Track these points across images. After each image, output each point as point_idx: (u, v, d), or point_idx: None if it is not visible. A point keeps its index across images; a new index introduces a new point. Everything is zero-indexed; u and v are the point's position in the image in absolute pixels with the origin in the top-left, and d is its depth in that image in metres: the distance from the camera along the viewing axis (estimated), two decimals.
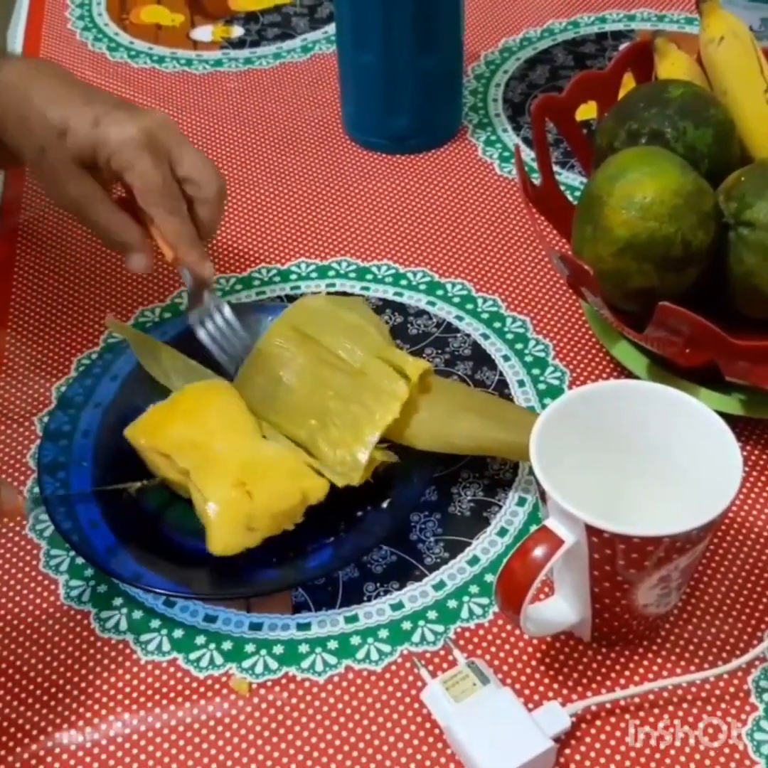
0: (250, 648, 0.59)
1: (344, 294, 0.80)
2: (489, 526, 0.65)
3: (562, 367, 0.74)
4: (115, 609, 0.61)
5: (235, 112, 1.00)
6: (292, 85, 1.03)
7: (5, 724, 0.56)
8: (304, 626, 0.60)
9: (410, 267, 0.83)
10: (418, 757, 0.55)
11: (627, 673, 0.58)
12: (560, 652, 0.58)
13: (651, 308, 0.62)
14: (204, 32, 1.11)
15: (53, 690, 0.58)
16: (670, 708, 0.56)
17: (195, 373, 0.70)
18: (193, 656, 0.59)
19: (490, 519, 0.65)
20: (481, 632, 0.60)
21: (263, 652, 0.59)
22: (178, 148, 0.70)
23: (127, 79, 1.04)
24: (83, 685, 0.58)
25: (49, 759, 0.55)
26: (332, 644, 0.59)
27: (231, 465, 0.63)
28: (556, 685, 0.57)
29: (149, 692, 0.58)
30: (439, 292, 0.81)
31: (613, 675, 0.58)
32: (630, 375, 0.71)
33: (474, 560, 0.63)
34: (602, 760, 0.54)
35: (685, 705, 0.56)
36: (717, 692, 0.57)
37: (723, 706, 0.56)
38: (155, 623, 0.61)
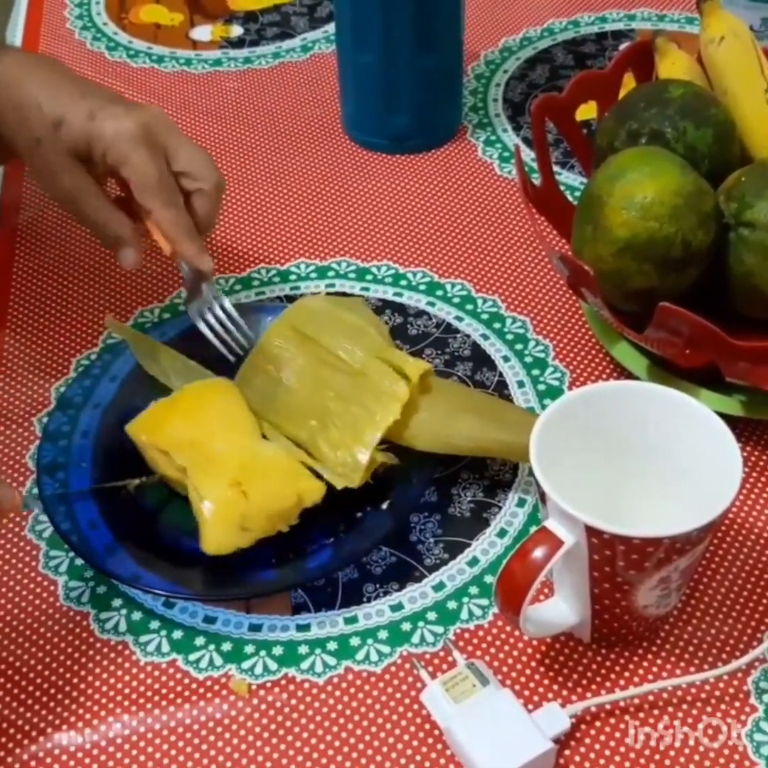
0: (249, 649, 0.59)
1: (344, 294, 0.80)
2: (489, 527, 0.65)
3: (562, 368, 0.74)
4: (115, 610, 0.61)
5: (235, 111, 0.99)
6: (291, 84, 1.03)
7: (4, 725, 0.56)
8: (303, 627, 0.60)
9: (410, 267, 0.83)
10: (418, 758, 0.54)
11: (627, 674, 0.58)
12: (560, 654, 0.58)
13: (651, 309, 0.62)
14: (203, 32, 1.11)
15: (52, 691, 0.58)
16: (670, 709, 0.56)
17: (194, 373, 0.70)
18: (192, 657, 0.59)
19: (489, 520, 0.65)
20: (480, 633, 0.60)
21: (263, 653, 0.59)
22: (174, 143, 0.70)
23: (126, 78, 1.04)
24: (82, 686, 0.58)
25: (48, 760, 0.55)
26: (332, 645, 0.59)
27: (228, 464, 0.63)
28: (555, 686, 0.57)
29: (148, 693, 0.58)
30: (439, 293, 0.80)
31: (612, 676, 0.58)
32: (630, 376, 0.71)
33: (474, 561, 0.63)
34: (602, 761, 0.54)
35: (684, 706, 0.56)
36: (717, 693, 0.57)
37: (723, 707, 0.56)
38: (154, 624, 0.61)
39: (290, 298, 0.80)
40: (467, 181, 0.91)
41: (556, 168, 0.85)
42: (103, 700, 0.57)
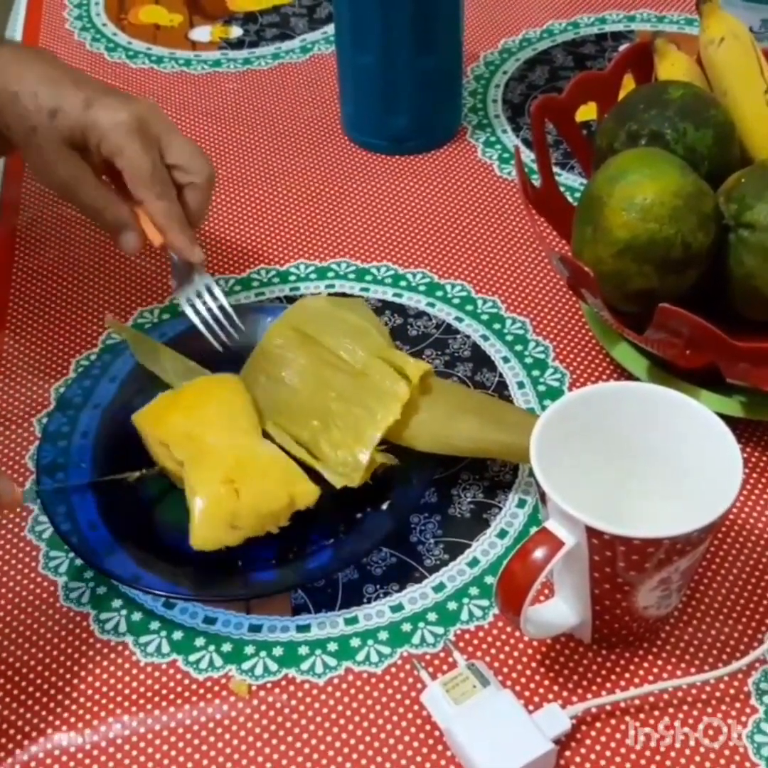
0: (249, 650, 0.59)
1: (344, 295, 0.80)
2: (489, 528, 0.65)
3: (562, 369, 0.74)
4: (115, 611, 0.61)
5: (234, 112, 0.99)
6: (290, 85, 1.03)
7: (4, 725, 0.56)
8: (303, 628, 0.60)
9: (410, 268, 0.83)
10: (418, 759, 0.54)
11: (627, 675, 0.58)
12: (560, 654, 0.58)
13: (651, 310, 0.62)
14: (202, 32, 1.11)
15: (52, 692, 0.58)
16: (671, 710, 0.56)
17: (195, 373, 0.70)
18: (192, 658, 0.59)
19: (490, 521, 0.65)
20: (481, 634, 0.60)
21: (263, 653, 0.59)
22: (168, 136, 0.70)
23: (125, 79, 1.04)
24: (82, 686, 0.58)
25: (48, 761, 0.55)
26: (332, 646, 0.59)
27: (223, 461, 0.63)
28: (556, 687, 0.57)
29: (148, 694, 0.57)
30: (439, 294, 0.80)
31: (613, 677, 0.58)
32: (630, 377, 0.71)
33: (474, 562, 0.63)
34: (602, 762, 0.54)
35: (685, 707, 0.56)
36: (717, 694, 0.57)
37: (723, 708, 0.56)
38: (154, 625, 0.61)
39: (290, 299, 0.80)
40: (467, 182, 0.91)
41: (555, 169, 0.85)
42: (103, 701, 0.57)
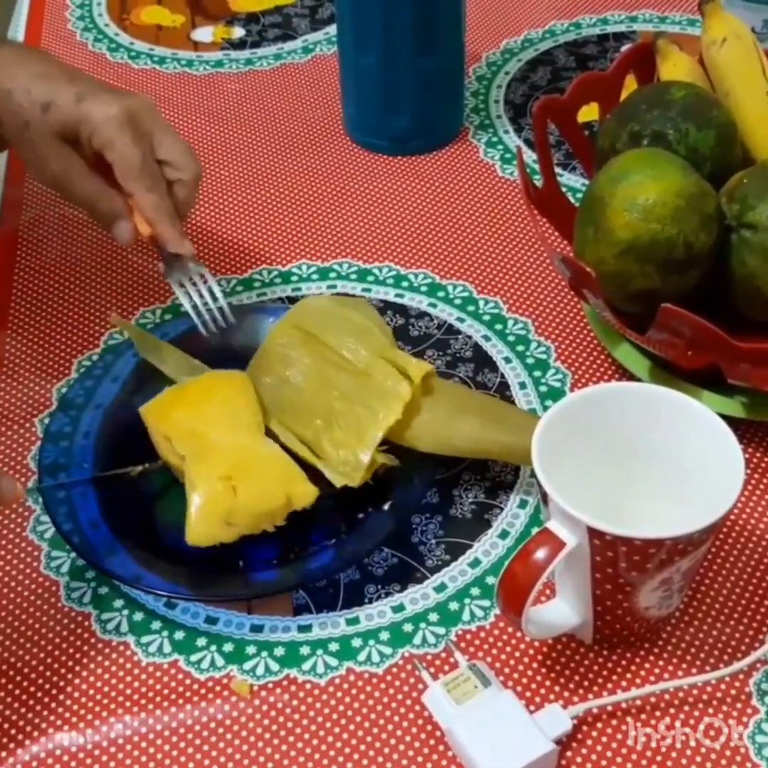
0: (251, 650, 0.59)
1: (345, 295, 0.80)
2: (490, 529, 0.65)
3: (563, 370, 0.74)
4: (116, 611, 0.61)
5: (236, 113, 0.99)
6: (292, 86, 1.03)
7: (6, 725, 0.56)
8: (305, 628, 0.60)
9: (411, 269, 0.83)
10: (419, 759, 0.54)
11: (628, 675, 0.58)
12: (562, 655, 0.58)
13: (653, 310, 0.62)
14: (204, 33, 1.11)
15: (54, 691, 0.58)
16: (672, 710, 0.56)
17: (199, 371, 0.70)
18: (194, 658, 0.59)
19: (491, 521, 0.65)
20: (482, 634, 0.60)
21: (264, 653, 0.59)
22: (159, 132, 0.71)
23: (127, 79, 1.04)
24: (84, 686, 0.58)
25: (49, 760, 0.55)
26: (333, 646, 0.59)
27: (222, 458, 0.63)
28: (557, 688, 0.57)
29: (150, 694, 0.58)
30: (441, 294, 0.80)
31: (614, 677, 0.58)
32: (632, 377, 0.71)
33: (475, 562, 0.63)
34: (603, 763, 0.54)
35: (686, 707, 0.56)
36: (718, 695, 0.57)
37: (724, 708, 0.56)
38: (156, 625, 0.61)
39: (292, 300, 0.80)
40: (469, 182, 0.91)
41: (557, 170, 0.84)
42: (105, 701, 0.57)
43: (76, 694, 0.58)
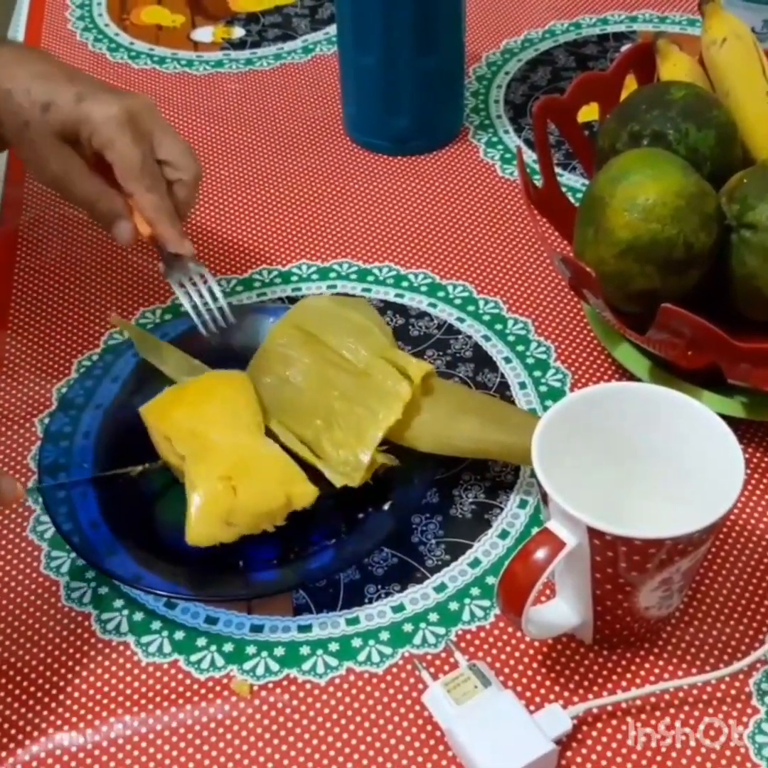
0: (251, 650, 0.59)
1: (345, 295, 0.80)
2: (490, 529, 0.65)
3: (563, 370, 0.74)
4: (116, 611, 0.61)
5: (236, 113, 0.99)
6: (292, 86, 1.03)
7: (6, 725, 0.56)
8: (305, 628, 0.60)
9: (411, 269, 0.83)
10: (419, 759, 0.54)
11: (628, 675, 0.58)
12: (562, 655, 0.58)
13: (653, 310, 0.62)
14: (204, 33, 1.11)
15: (54, 691, 0.58)
16: (672, 710, 0.56)
17: (199, 371, 0.70)
18: (194, 658, 0.59)
19: (491, 521, 0.65)
20: (482, 634, 0.60)
21: (264, 653, 0.59)
22: (159, 132, 0.71)
23: (127, 79, 1.04)
24: (84, 686, 0.58)
25: (49, 760, 0.55)
26: (333, 646, 0.59)
27: (222, 458, 0.63)
28: (557, 688, 0.57)
29: (150, 694, 0.58)
30: (441, 294, 0.80)
31: (614, 677, 0.58)
32: (632, 377, 0.71)
33: (475, 562, 0.63)
34: (603, 763, 0.54)
35: (686, 707, 0.56)
36: (718, 695, 0.57)
37: (724, 708, 0.56)
38: (156, 625, 0.61)
39: (292, 300, 0.80)
40: (469, 182, 0.91)
41: (557, 170, 0.84)
42: (105, 701, 0.57)
43: (76, 694, 0.58)
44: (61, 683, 0.58)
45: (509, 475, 0.68)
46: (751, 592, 0.61)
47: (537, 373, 0.74)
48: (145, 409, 0.67)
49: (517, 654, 0.59)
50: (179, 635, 0.60)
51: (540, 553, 0.52)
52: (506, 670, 0.58)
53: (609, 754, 0.54)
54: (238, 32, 1.11)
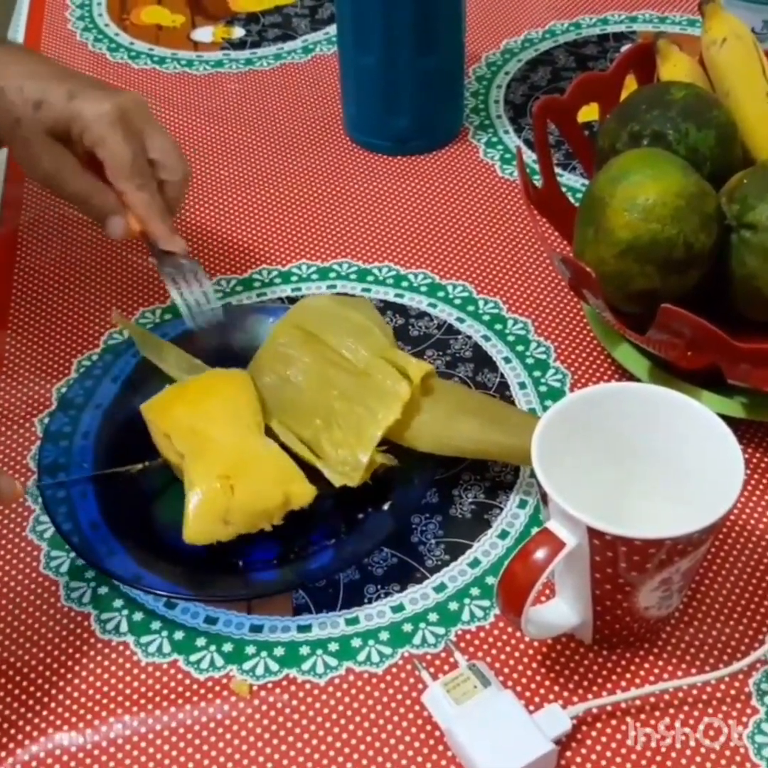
0: (250, 650, 0.59)
1: (345, 295, 0.80)
2: (490, 529, 0.65)
3: (563, 370, 0.74)
4: (116, 611, 0.61)
5: (236, 113, 0.99)
6: (292, 86, 1.03)
7: (5, 725, 0.56)
8: (304, 628, 0.60)
9: (411, 269, 0.83)
10: (419, 759, 0.54)
11: (628, 675, 0.58)
12: (561, 655, 0.58)
13: (653, 310, 0.62)
14: (204, 33, 1.11)
15: (53, 692, 0.58)
16: (671, 710, 0.56)
17: (199, 370, 0.70)
18: (193, 658, 0.59)
19: (491, 521, 0.65)
20: (482, 634, 0.60)
21: (264, 653, 0.59)
22: (149, 130, 0.72)
23: (127, 79, 1.04)
24: (83, 686, 0.58)
25: (49, 760, 0.55)
26: (333, 646, 0.59)
27: (221, 456, 0.63)
28: (557, 688, 0.57)
29: (150, 694, 0.57)
30: (441, 294, 0.80)
31: (614, 677, 0.57)
32: (631, 377, 0.71)
33: (475, 562, 0.63)
34: (603, 763, 0.54)
35: (685, 707, 0.56)
36: (718, 695, 0.57)
37: (724, 708, 0.56)
38: (156, 625, 0.61)
39: (292, 300, 0.80)
40: (469, 182, 0.91)
41: (557, 170, 0.84)
42: (105, 701, 0.57)
43: (76, 694, 0.58)
44: (61, 683, 0.58)
45: (509, 475, 0.68)
46: (751, 592, 0.61)
47: (537, 373, 0.74)
48: (146, 407, 0.67)
49: (516, 654, 0.59)
50: (179, 635, 0.60)
51: (540, 553, 0.52)
52: (506, 670, 0.58)
53: (609, 754, 0.54)
54: (238, 32, 1.11)
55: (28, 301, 0.81)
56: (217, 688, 0.58)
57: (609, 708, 0.56)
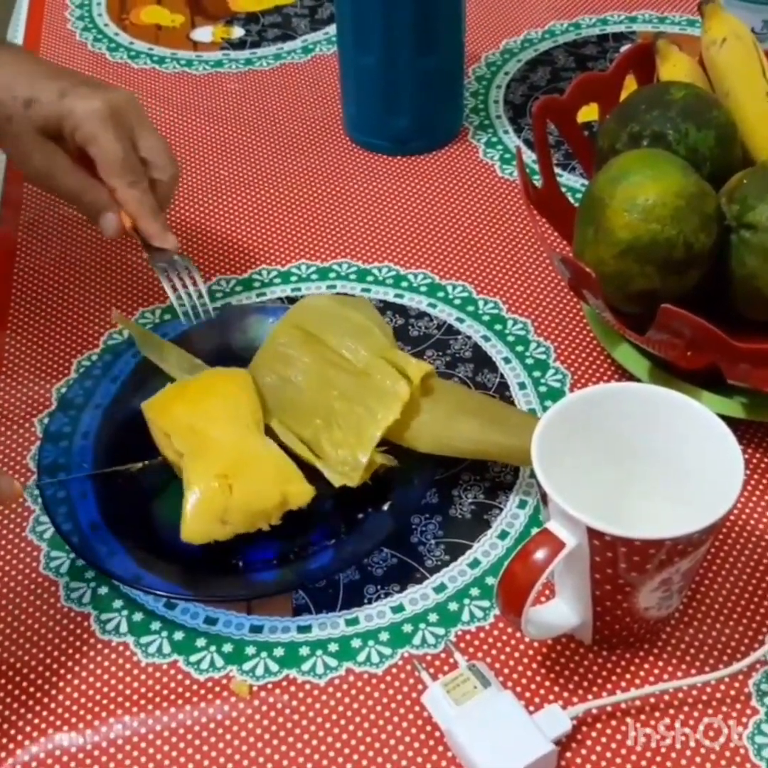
0: (250, 650, 0.59)
1: (345, 295, 0.80)
2: (490, 529, 0.65)
3: (563, 370, 0.74)
4: (116, 611, 0.61)
5: (236, 113, 0.99)
6: (292, 86, 1.03)
7: (5, 725, 0.56)
8: (304, 628, 0.60)
9: (411, 269, 0.83)
10: (419, 760, 0.54)
11: (628, 676, 0.58)
12: (561, 655, 0.58)
13: (653, 311, 0.62)
14: (204, 33, 1.11)
15: (53, 692, 0.58)
16: (671, 711, 0.56)
17: (199, 370, 0.70)
18: (193, 658, 0.59)
19: (491, 521, 0.65)
20: (482, 635, 0.60)
21: (264, 654, 0.59)
22: (140, 128, 0.72)
23: (127, 79, 1.04)
24: (83, 687, 0.58)
25: (49, 761, 0.55)
26: (333, 647, 0.59)
27: (220, 456, 0.63)
28: (557, 688, 0.57)
29: (150, 695, 0.57)
30: (440, 294, 0.80)
31: (614, 678, 0.57)
32: (631, 378, 0.71)
33: (475, 563, 0.63)
34: (603, 763, 0.54)
35: (685, 708, 0.56)
36: (718, 695, 0.57)
37: (724, 709, 0.56)
38: (156, 625, 0.61)
39: (291, 300, 0.80)
40: (468, 182, 0.91)
41: (557, 170, 0.84)
42: (104, 701, 0.57)
43: (76, 695, 0.58)
44: (61, 684, 0.58)
45: (509, 476, 0.68)
46: (751, 593, 0.61)
47: (536, 374, 0.74)
48: (146, 405, 0.67)
49: (516, 654, 0.59)
50: (179, 636, 0.60)
51: (539, 554, 0.52)
52: (506, 671, 0.58)
53: (609, 754, 0.54)
54: (237, 32, 1.11)
55: (27, 301, 0.81)
56: (217, 689, 0.58)
57: (609, 708, 0.56)
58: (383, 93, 0.90)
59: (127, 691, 0.58)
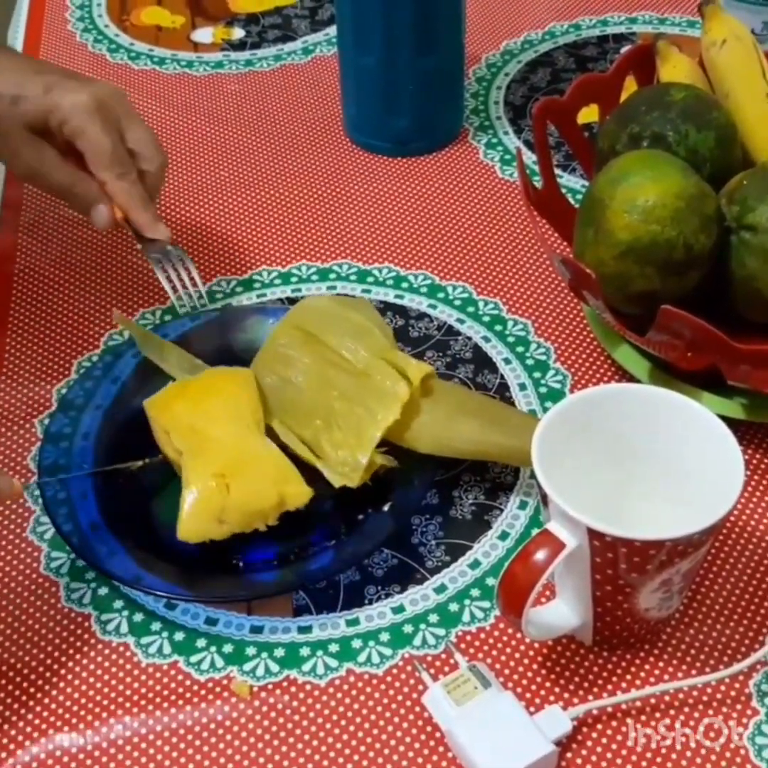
0: (251, 651, 0.59)
1: (345, 296, 0.80)
2: (490, 530, 0.65)
3: (563, 371, 0.74)
4: (116, 612, 0.61)
5: (236, 114, 0.99)
6: (292, 87, 1.03)
7: (5, 726, 0.56)
8: (305, 629, 0.60)
9: (411, 270, 0.83)
10: (419, 760, 0.54)
11: (628, 676, 0.58)
12: (562, 656, 0.58)
13: (653, 312, 0.62)
14: (204, 34, 1.11)
15: (54, 692, 0.58)
16: (672, 712, 0.56)
17: (200, 370, 0.70)
18: (194, 659, 0.59)
19: (491, 522, 0.65)
20: (482, 636, 0.60)
21: (264, 655, 0.59)
22: (126, 120, 0.73)
23: (127, 80, 1.04)
24: (84, 687, 0.58)
25: (49, 761, 0.55)
26: (333, 647, 0.59)
27: (218, 455, 0.63)
28: (557, 689, 0.57)
29: (150, 695, 0.57)
30: (441, 295, 0.80)
31: (614, 679, 0.58)
32: (632, 379, 0.71)
33: (475, 564, 0.63)
34: (603, 764, 0.54)
35: (686, 709, 0.56)
36: (718, 696, 0.57)
37: (724, 709, 0.56)
38: (156, 626, 0.61)
39: (291, 300, 0.80)
40: (468, 183, 0.91)
41: (557, 171, 0.85)
42: (105, 702, 0.57)
43: (76, 695, 0.58)
44: (61, 684, 0.58)
45: (509, 477, 0.68)
46: (751, 594, 0.61)
47: (537, 375, 0.74)
48: (148, 403, 0.67)
49: (517, 655, 0.59)
50: (179, 636, 0.60)
51: (540, 555, 0.52)
52: (506, 672, 0.58)
53: (609, 755, 0.54)
54: (238, 33, 1.11)
55: (28, 303, 0.81)
56: (218, 689, 0.58)
57: (609, 709, 0.56)
58: (383, 94, 0.90)
59: (128, 692, 0.58)
